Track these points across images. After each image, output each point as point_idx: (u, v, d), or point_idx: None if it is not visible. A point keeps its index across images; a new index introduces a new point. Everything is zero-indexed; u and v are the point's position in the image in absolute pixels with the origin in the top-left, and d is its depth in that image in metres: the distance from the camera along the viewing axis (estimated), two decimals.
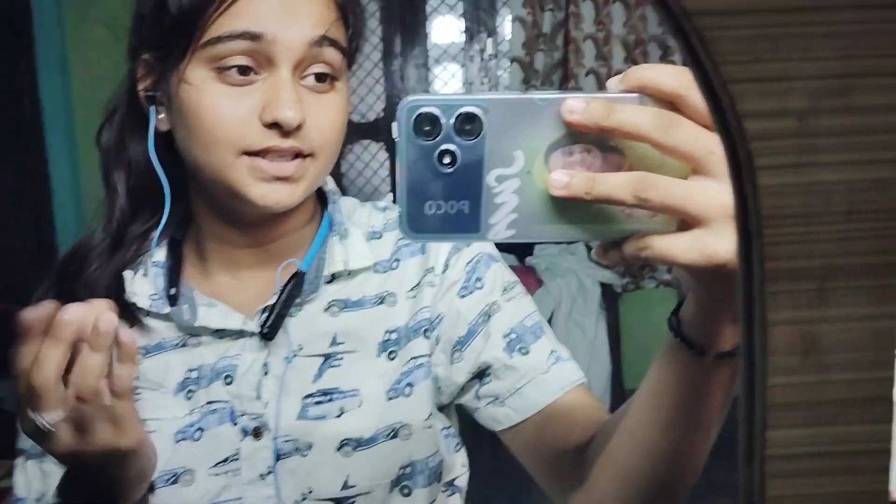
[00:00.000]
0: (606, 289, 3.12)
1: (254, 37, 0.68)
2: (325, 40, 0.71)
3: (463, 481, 0.86)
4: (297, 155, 0.71)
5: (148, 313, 0.79)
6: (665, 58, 3.42)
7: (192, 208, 0.80)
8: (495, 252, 0.83)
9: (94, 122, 0.82)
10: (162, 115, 0.74)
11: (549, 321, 2.95)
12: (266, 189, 0.71)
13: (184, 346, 0.79)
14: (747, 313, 0.22)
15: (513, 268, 0.85)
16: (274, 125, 0.69)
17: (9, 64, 2.91)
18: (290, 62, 0.69)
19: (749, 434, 0.23)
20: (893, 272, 0.22)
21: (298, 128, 0.70)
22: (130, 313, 0.78)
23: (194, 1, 0.68)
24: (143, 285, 0.79)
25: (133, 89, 0.77)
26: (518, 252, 3.14)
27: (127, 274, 0.79)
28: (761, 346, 0.22)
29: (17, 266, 2.84)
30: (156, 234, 0.79)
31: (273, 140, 0.69)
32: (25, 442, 0.83)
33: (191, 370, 0.78)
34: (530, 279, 3.05)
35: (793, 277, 0.21)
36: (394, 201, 0.44)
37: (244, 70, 0.69)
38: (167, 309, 0.78)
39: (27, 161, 2.96)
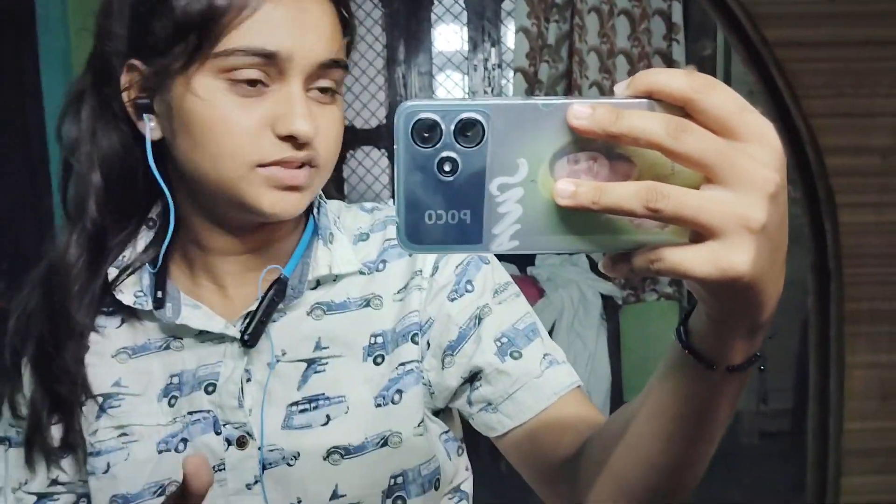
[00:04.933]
0: (607, 300, 3.12)
1: (268, 55, 0.67)
2: (333, 62, 0.71)
3: (468, 486, 0.85)
4: (304, 164, 0.71)
5: (133, 311, 0.78)
6: None
7: (178, 214, 0.77)
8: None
9: None
10: (153, 124, 0.72)
11: (550, 332, 2.95)
12: (277, 198, 0.70)
13: (166, 348, 0.78)
14: (820, 354, 0.21)
15: (514, 277, 0.83)
16: (288, 138, 0.69)
17: (13, 64, 2.92)
18: (300, 78, 0.69)
19: (821, 480, 0.22)
20: None
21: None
22: (122, 308, 0.77)
23: (206, 10, 0.66)
24: (128, 283, 0.77)
25: (97, 87, 0.74)
26: (519, 262, 3.13)
27: (111, 271, 0.77)
28: (837, 389, 0.21)
29: (17, 262, 2.85)
30: (157, 246, 0.77)
31: (287, 152, 0.69)
32: (9, 430, 0.80)
33: (172, 375, 0.77)
34: (531, 289, 3.04)
35: (872, 319, 0.21)
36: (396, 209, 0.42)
37: (253, 82, 0.68)
38: (150, 306, 0.76)
39: (31, 161, 2.99)
